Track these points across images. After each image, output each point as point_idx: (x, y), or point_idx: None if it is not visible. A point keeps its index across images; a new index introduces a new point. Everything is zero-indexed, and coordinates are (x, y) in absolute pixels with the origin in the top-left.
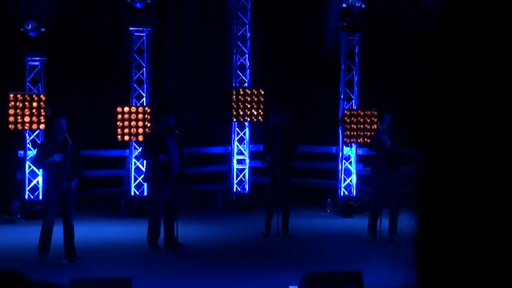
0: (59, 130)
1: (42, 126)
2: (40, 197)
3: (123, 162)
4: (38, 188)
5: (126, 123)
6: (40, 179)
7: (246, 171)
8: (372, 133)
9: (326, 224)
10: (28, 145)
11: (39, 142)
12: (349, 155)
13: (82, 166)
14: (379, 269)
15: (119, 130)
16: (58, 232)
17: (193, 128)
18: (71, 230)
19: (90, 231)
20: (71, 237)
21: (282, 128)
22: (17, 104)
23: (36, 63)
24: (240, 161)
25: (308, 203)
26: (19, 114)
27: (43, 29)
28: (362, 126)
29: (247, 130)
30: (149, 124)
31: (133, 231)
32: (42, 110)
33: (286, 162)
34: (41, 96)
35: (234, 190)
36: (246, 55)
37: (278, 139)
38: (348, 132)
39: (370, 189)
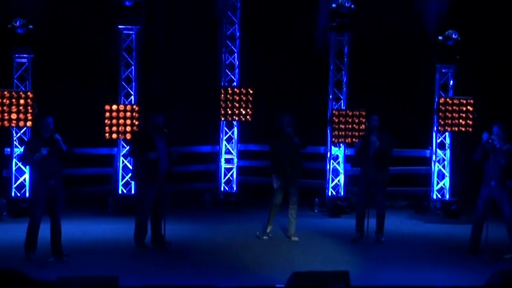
0: (46, 128)
1: (29, 124)
2: (27, 194)
3: (111, 160)
4: (24, 186)
5: (114, 121)
6: (27, 176)
7: (234, 170)
8: (361, 133)
9: (313, 224)
10: (15, 142)
11: (26, 140)
12: (337, 155)
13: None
14: (367, 268)
15: (107, 128)
16: (45, 230)
17: (181, 127)
18: (58, 229)
19: (77, 229)
20: (58, 236)
21: (288, 133)
22: (4, 101)
23: (23, 60)
24: (228, 160)
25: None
26: (6, 111)
27: (31, 26)
28: (350, 126)
29: (235, 129)
30: (137, 123)
31: (120, 230)
32: (29, 108)
33: (294, 166)
34: (29, 93)
35: (222, 189)
36: (235, 54)
37: (284, 144)
38: (336, 132)
39: (357, 189)
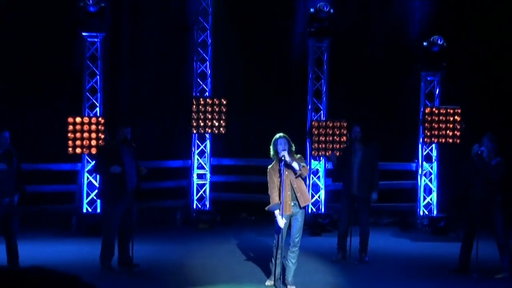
0: (1, 143)
1: None
2: None
3: (75, 177)
4: None
5: (78, 134)
6: None
7: (207, 186)
8: (342, 146)
9: None
10: None
11: None
12: (317, 170)
13: (23, 181)
14: None
15: (70, 142)
16: (1, 253)
17: (150, 140)
18: (15, 250)
19: (38, 251)
20: (15, 257)
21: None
22: None
23: None
24: (200, 176)
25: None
26: None
27: None
28: (330, 138)
29: (208, 142)
30: (102, 136)
31: (85, 251)
32: None
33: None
34: None
35: (194, 206)
36: (207, 62)
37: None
38: (316, 145)
39: (339, 205)
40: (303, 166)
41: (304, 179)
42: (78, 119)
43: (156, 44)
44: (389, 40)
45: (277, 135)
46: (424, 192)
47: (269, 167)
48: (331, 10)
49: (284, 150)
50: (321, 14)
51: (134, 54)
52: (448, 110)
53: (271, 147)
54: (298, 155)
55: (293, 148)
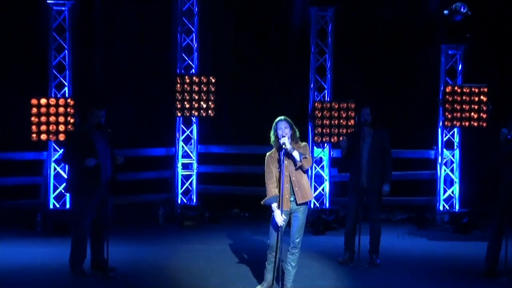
0: None
1: None
2: None
3: (40, 168)
4: None
5: (43, 118)
6: None
7: (194, 178)
8: (349, 130)
9: None
10: None
11: None
12: (320, 158)
13: None
14: None
15: (34, 127)
16: None
17: (128, 125)
18: None
19: None
20: None
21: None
22: None
23: None
24: (186, 166)
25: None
26: None
27: None
28: (336, 122)
29: (194, 127)
30: (72, 120)
31: (52, 253)
32: None
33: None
34: None
35: (179, 201)
36: (193, 34)
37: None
38: (319, 130)
39: (346, 199)
40: (305, 157)
41: (307, 172)
42: (43, 101)
43: (134, 13)
44: (403, 8)
45: (278, 118)
46: (445, 183)
47: (268, 154)
48: None
49: (284, 136)
50: None
51: (109, 25)
52: (473, 89)
53: (271, 132)
54: (303, 143)
55: (298, 134)
